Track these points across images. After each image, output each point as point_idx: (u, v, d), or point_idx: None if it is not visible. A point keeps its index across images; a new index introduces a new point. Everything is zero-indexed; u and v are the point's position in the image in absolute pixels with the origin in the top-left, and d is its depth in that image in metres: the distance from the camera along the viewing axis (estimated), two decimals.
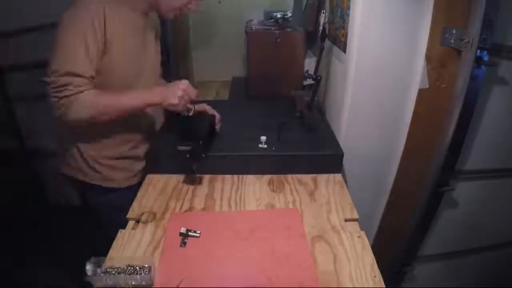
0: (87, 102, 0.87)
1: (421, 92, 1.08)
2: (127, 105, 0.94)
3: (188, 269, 0.73)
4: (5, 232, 1.78)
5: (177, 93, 0.94)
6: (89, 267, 0.69)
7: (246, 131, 1.19)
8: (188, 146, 0.97)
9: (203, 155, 1.00)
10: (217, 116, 1.19)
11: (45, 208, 2.09)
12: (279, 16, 1.58)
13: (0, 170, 1.82)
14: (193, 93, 0.99)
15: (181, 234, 0.82)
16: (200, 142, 0.98)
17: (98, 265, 0.70)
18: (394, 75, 1.09)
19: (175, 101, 0.94)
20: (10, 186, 1.86)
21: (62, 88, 0.84)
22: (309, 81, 1.42)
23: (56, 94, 0.85)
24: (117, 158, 1.06)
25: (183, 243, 0.80)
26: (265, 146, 1.09)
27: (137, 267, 0.71)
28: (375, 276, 0.72)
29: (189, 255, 0.77)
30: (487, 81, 1.01)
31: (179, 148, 0.97)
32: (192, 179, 1.05)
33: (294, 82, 1.56)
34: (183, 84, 0.97)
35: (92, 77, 0.89)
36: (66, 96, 0.85)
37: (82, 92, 0.86)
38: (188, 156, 0.97)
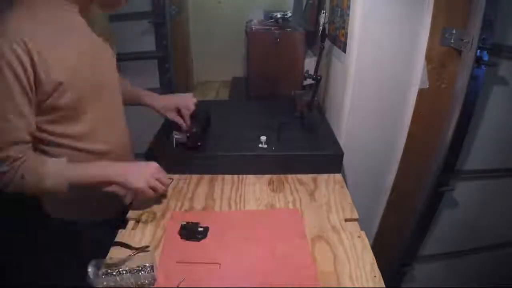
0: (26, 176, 0.74)
1: (421, 92, 1.08)
2: (79, 181, 0.80)
3: (188, 268, 0.73)
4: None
5: (144, 177, 0.84)
6: (90, 270, 0.69)
7: (246, 131, 1.19)
8: (184, 134, 1.01)
9: (199, 144, 1.03)
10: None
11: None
12: (279, 16, 1.58)
13: None
14: (163, 178, 0.88)
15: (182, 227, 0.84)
16: (194, 130, 1.02)
17: (99, 267, 0.70)
18: (394, 75, 1.09)
19: (139, 185, 0.83)
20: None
21: None
22: (309, 81, 1.42)
23: None
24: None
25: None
26: (265, 146, 1.09)
27: (139, 266, 0.71)
28: (375, 276, 0.72)
29: (189, 255, 0.77)
30: (487, 81, 1.01)
31: (175, 137, 1.01)
32: (192, 179, 1.05)
33: (294, 82, 1.56)
34: (152, 167, 0.87)
35: (32, 136, 0.76)
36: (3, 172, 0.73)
37: (21, 162, 0.74)
38: (185, 143, 1.01)
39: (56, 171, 0.77)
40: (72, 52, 0.77)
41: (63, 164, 0.79)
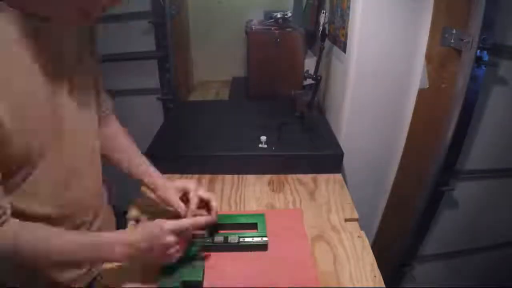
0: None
1: (421, 92, 1.08)
2: (68, 260, 0.63)
3: None
4: None
5: (162, 251, 0.66)
6: None
7: (246, 131, 1.19)
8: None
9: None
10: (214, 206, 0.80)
11: None
12: (279, 16, 1.58)
13: None
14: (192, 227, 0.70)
15: None
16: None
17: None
18: (394, 75, 1.09)
19: (167, 260, 0.68)
20: None
21: None
22: (309, 81, 1.42)
23: None
24: None
25: None
26: (265, 146, 1.09)
27: None
28: (375, 276, 0.72)
29: None
30: (487, 81, 1.01)
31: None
32: (192, 179, 1.04)
33: (294, 82, 1.56)
34: (169, 235, 0.65)
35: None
36: None
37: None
38: None
39: (32, 247, 0.58)
40: (20, 79, 0.54)
41: (46, 236, 0.59)
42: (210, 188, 1.02)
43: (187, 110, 1.49)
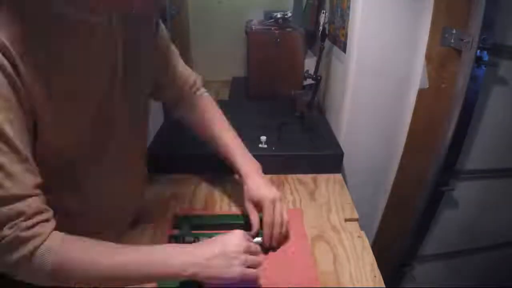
0: (48, 261, 0.49)
1: (421, 92, 1.08)
2: (128, 277, 0.54)
3: None
4: None
5: (235, 262, 0.58)
6: None
7: (246, 131, 1.19)
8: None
9: None
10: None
11: None
12: (279, 16, 1.58)
13: None
14: (254, 247, 0.64)
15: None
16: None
17: None
18: (394, 75, 1.09)
19: (233, 275, 0.58)
20: None
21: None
22: (309, 81, 1.42)
23: None
24: None
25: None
26: (265, 146, 1.09)
27: None
28: (375, 276, 0.72)
29: None
30: (487, 81, 1.01)
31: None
32: (192, 179, 1.05)
33: (294, 82, 1.56)
34: (236, 240, 0.61)
35: (39, 186, 0.50)
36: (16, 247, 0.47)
37: (41, 236, 0.49)
38: None
39: (105, 260, 0.53)
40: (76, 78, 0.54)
41: (104, 248, 0.54)
42: (210, 188, 1.02)
43: None
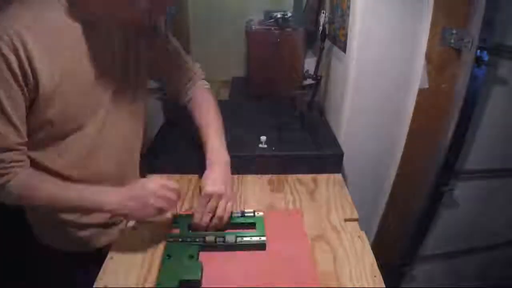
0: (16, 189, 0.68)
1: (421, 92, 1.08)
2: (72, 204, 0.73)
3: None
4: None
5: (149, 200, 0.71)
6: None
7: (246, 131, 1.19)
8: None
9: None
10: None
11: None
12: (279, 16, 1.58)
13: None
14: (172, 192, 0.74)
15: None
16: None
17: None
18: (394, 75, 1.09)
19: (142, 214, 0.73)
20: None
21: None
22: (309, 81, 1.42)
23: None
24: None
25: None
26: (265, 146, 1.09)
27: None
28: (375, 276, 0.72)
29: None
30: (487, 81, 1.01)
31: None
32: (192, 179, 1.04)
33: (294, 82, 1.56)
34: (152, 185, 0.72)
35: (22, 144, 0.68)
36: None
37: (11, 174, 0.67)
38: None
39: (49, 190, 0.71)
40: (74, 63, 0.70)
41: (57, 184, 0.72)
42: None
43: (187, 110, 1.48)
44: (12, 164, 0.67)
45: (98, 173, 0.82)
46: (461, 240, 1.36)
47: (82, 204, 0.73)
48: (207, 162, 0.88)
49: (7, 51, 0.59)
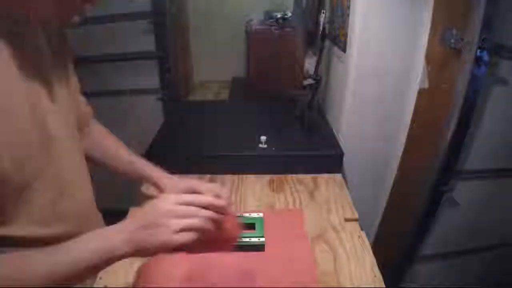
0: None
1: (421, 92, 1.08)
2: (68, 275, 0.49)
3: (187, 267, 0.73)
4: None
5: (167, 224, 0.50)
6: None
7: (246, 131, 1.19)
8: None
9: None
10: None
11: None
12: (279, 16, 1.58)
13: None
14: (204, 205, 0.52)
15: None
16: None
17: None
18: (394, 75, 1.09)
19: (171, 239, 0.49)
20: None
21: None
22: (309, 81, 1.42)
23: None
24: None
25: None
26: (265, 146, 1.09)
27: None
28: (375, 276, 0.72)
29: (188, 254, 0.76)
30: (487, 81, 1.01)
31: None
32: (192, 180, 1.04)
33: (294, 82, 1.56)
34: (169, 201, 0.52)
35: None
36: None
37: None
38: None
39: (39, 270, 0.48)
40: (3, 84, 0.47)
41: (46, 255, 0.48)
42: None
43: (187, 110, 1.49)
44: None
45: (69, 215, 0.61)
46: (461, 240, 1.36)
47: (79, 267, 0.49)
48: (156, 176, 0.78)
49: None
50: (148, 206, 0.53)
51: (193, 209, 0.52)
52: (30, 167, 0.52)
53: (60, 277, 0.49)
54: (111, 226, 0.53)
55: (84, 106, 0.76)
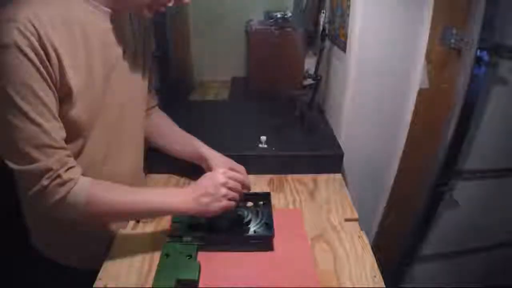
0: (83, 198, 0.63)
1: (421, 92, 1.08)
2: (143, 210, 0.72)
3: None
4: None
5: (221, 193, 0.72)
6: None
7: (246, 131, 1.19)
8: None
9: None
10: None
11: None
12: (279, 16, 1.58)
13: None
14: (240, 182, 0.76)
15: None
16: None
17: None
18: (394, 75, 1.09)
19: (222, 205, 0.72)
20: None
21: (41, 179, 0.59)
22: (309, 81, 1.42)
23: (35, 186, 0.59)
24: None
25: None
26: (265, 146, 1.09)
27: None
28: (375, 276, 0.72)
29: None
30: (487, 81, 1.01)
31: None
32: (192, 179, 1.04)
33: (294, 82, 1.56)
34: (224, 174, 0.73)
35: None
36: (54, 188, 0.60)
37: (74, 180, 0.62)
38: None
39: (122, 198, 0.68)
40: (89, 57, 0.65)
41: (123, 189, 0.70)
42: None
43: (187, 110, 1.49)
44: (66, 167, 0.61)
45: (112, 176, 0.74)
46: (461, 240, 1.36)
47: (152, 207, 0.71)
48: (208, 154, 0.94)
49: (27, 40, 0.54)
50: (207, 177, 0.74)
51: (238, 183, 0.75)
52: (94, 112, 0.68)
53: (137, 210, 0.71)
54: (179, 188, 0.83)
55: (152, 94, 0.95)
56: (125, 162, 0.82)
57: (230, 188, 0.73)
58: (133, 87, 0.79)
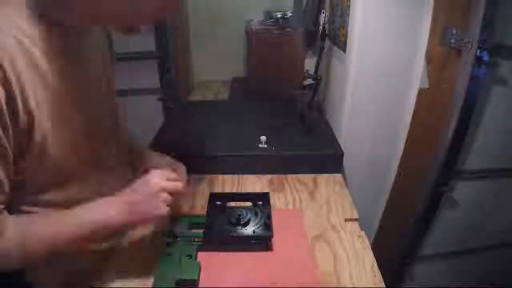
0: (15, 240, 0.55)
1: (421, 92, 1.08)
2: (73, 237, 0.59)
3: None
4: None
5: (159, 198, 0.62)
6: None
7: (246, 131, 1.19)
8: None
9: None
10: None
11: None
12: (279, 16, 1.58)
13: None
14: (174, 184, 0.66)
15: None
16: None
17: None
18: (394, 75, 1.09)
19: (160, 212, 0.63)
20: None
21: None
22: (309, 81, 1.42)
23: None
24: None
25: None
26: (265, 146, 1.09)
27: None
28: (375, 276, 0.72)
29: None
30: (487, 81, 1.01)
31: None
32: (192, 179, 1.04)
33: (294, 82, 1.56)
34: (156, 179, 0.63)
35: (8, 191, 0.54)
36: None
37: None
38: None
39: (35, 231, 0.57)
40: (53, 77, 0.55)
41: (47, 220, 0.59)
42: (210, 188, 1.02)
43: (187, 110, 1.49)
44: None
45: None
46: (461, 240, 1.36)
47: (83, 230, 0.60)
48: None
49: None
50: (142, 181, 0.64)
51: (178, 186, 0.66)
52: (76, 153, 0.61)
53: (68, 236, 0.59)
54: (111, 198, 0.63)
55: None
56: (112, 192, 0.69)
57: (168, 191, 0.64)
58: (106, 96, 0.73)
